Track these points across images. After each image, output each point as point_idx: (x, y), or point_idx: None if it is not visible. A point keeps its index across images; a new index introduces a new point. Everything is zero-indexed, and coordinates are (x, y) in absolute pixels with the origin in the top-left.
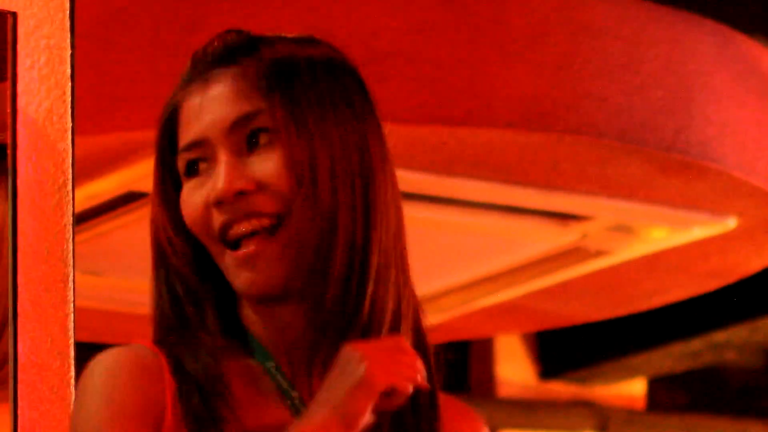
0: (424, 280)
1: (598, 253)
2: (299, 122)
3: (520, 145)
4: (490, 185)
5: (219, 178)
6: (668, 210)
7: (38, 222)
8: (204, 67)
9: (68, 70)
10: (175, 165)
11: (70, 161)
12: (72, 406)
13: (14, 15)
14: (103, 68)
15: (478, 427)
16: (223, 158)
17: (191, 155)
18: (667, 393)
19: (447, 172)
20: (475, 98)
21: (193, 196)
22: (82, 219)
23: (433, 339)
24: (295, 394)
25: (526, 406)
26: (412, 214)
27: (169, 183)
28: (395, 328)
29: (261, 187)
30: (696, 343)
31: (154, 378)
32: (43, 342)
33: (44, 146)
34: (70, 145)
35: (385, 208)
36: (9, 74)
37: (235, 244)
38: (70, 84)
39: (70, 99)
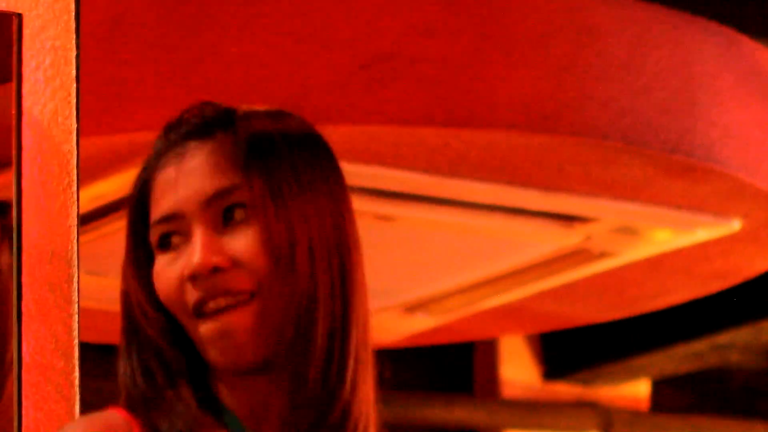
0: (428, 282)
1: (602, 255)
2: (277, 200)
3: (523, 146)
4: (493, 187)
5: (194, 253)
6: (672, 212)
7: (43, 223)
8: (178, 138)
9: (73, 72)
10: (147, 236)
11: (75, 162)
12: None
13: (19, 16)
14: (109, 69)
15: None
16: (198, 232)
17: (165, 228)
18: (671, 394)
19: (450, 173)
20: (479, 100)
21: (167, 270)
22: (86, 220)
23: (438, 340)
24: None
25: (529, 407)
26: (416, 215)
27: (141, 255)
28: (369, 407)
29: (236, 264)
30: (700, 345)
31: None
32: (47, 342)
33: (49, 147)
34: (75, 147)
35: (361, 286)
36: (14, 75)
37: (209, 316)
38: (75, 85)
39: (75, 100)
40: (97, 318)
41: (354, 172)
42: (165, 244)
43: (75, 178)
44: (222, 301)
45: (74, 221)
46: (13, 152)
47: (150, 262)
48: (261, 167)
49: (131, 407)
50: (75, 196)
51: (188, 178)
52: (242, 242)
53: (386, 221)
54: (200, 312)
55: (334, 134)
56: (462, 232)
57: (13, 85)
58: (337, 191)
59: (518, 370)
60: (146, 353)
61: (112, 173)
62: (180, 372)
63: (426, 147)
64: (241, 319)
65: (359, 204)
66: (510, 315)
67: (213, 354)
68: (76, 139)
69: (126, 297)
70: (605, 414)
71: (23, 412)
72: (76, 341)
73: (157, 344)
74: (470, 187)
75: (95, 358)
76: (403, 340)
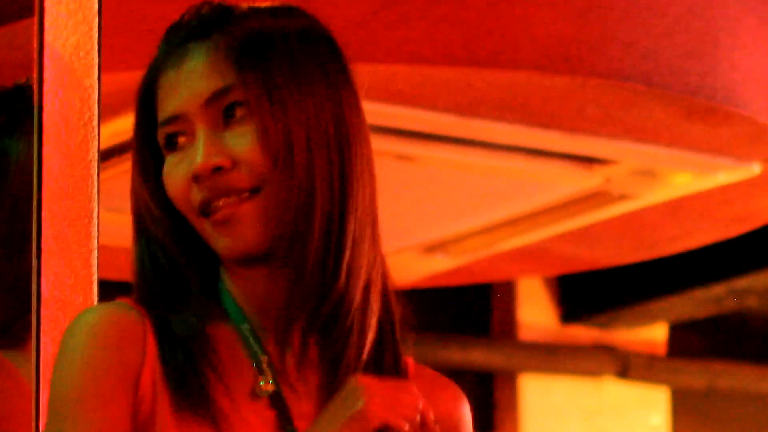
0: (447, 222)
1: (622, 197)
2: (273, 96)
3: (545, 87)
4: (514, 127)
5: (197, 154)
6: (692, 155)
7: (63, 158)
8: (179, 40)
9: (96, 6)
10: (154, 138)
11: (96, 97)
12: (54, 362)
13: None
14: (131, 4)
15: (459, 400)
16: (200, 133)
17: (170, 129)
18: (688, 338)
19: (472, 113)
20: (501, 40)
21: (175, 171)
22: (107, 156)
23: (456, 281)
24: (263, 357)
25: (547, 350)
26: (436, 155)
27: (148, 156)
28: (366, 295)
29: (237, 162)
30: (718, 289)
31: (134, 339)
32: (66, 278)
33: (70, 82)
34: (97, 81)
35: (361, 177)
36: (36, 9)
37: (214, 213)
38: (97, 19)
39: (97, 35)
40: (116, 255)
41: (375, 111)
42: (172, 145)
43: (96, 113)
44: (226, 200)
45: (95, 156)
46: (35, 86)
47: (159, 163)
48: (256, 65)
49: (142, 299)
50: (96, 131)
51: (188, 80)
52: (241, 141)
53: (407, 161)
54: (206, 211)
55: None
56: (482, 172)
57: (35, 18)
58: (338, 84)
59: (536, 312)
60: (155, 251)
61: (134, 109)
62: (187, 267)
63: (447, 87)
64: (245, 211)
65: (379, 143)
66: (528, 257)
67: (220, 244)
68: (98, 74)
69: (134, 196)
70: (622, 358)
71: (41, 347)
72: (95, 277)
73: (163, 241)
74: (491, 128)
75: (113, 295)
76: (421, 280)
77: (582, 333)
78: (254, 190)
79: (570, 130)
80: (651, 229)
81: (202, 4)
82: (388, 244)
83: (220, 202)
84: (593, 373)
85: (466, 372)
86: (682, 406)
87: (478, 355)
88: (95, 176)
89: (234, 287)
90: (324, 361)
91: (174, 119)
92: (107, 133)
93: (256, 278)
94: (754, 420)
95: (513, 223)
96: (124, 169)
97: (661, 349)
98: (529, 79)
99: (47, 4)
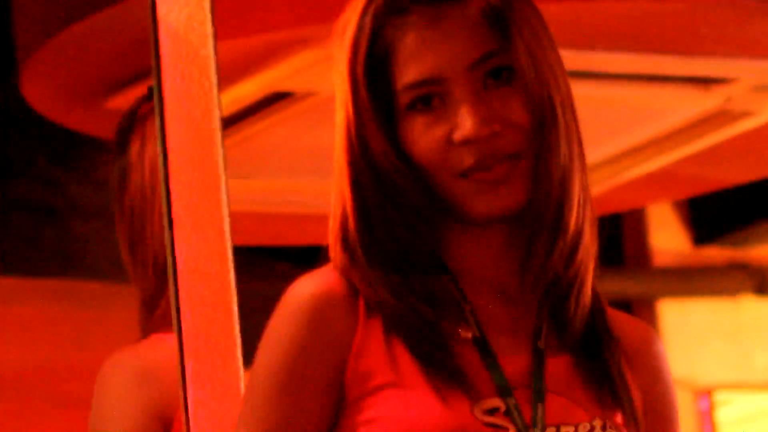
0: None
1: (744, 115)
2: (537, 62)
3: (657, 13)
4: (629, 56)
5: (466, 119)
6: None
7: (187, 129)
8: (420, 1)
9: None
10: (388, 93)
11: (214, 67)
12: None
13: None
14: None
15: (652, 338)
16: (463, 97)
17: (423, 91)
18: None
19: (586, 46)
20: None
21: (430, 132)
22: (228, 123)
23: None
24: (467, 306)
25: (682, 274)
26: None
27: (383, 110)
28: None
29: (506, 126)
30: None
31: (345, 313)
32: (200, 248)
33: (187, 54)
34: (213, 51)
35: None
36: None
37: (486, 172)
38: None
39: (209, 4)
40: (245, 221)
41: None
42: (420, 106)
43: (215, 82)
44: (500, 167)
45: (217, 125)
46: (152, 61)
47: (389, 118)
48: (519, 31)
49: (368, 255)
50: (216, 99)
51: (447, 44)
52: (510, 105)
53: None
54: (473, 172)
55: None
56: (602, 104)
57: None
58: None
59: (668, 237)
60: (396, 203)
61: (251, 75)
62: (425, 224)
63: (558, 22)
64: (519, 173)
65: None
66: (656, 182)
67: (483, 203)
68: (213, 43)
69: (375, 156)
70: (759, 274)
71: (182, 317)
72: (228, 244)
73: (406, 193)
74: (607, 58)
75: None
76: None
77: (716, 253)
78: (519, 154)
79: (686, 53)
80: None
81: None
82: None
83: (495, 164)
84: (730, 292)
85: None
86: None
87: (614, 285)
88: (219, 145)
89: (462, 247)
90: (542, 311)
91: (430, 82)
92: (227, 100)
93: (489, 237)
94: None
95: (637, 151)
96: (245, 135)
97: None
98: (641, 7)
99: None
